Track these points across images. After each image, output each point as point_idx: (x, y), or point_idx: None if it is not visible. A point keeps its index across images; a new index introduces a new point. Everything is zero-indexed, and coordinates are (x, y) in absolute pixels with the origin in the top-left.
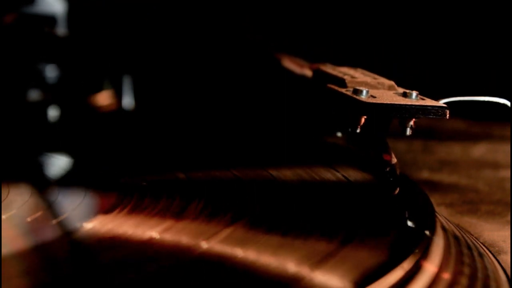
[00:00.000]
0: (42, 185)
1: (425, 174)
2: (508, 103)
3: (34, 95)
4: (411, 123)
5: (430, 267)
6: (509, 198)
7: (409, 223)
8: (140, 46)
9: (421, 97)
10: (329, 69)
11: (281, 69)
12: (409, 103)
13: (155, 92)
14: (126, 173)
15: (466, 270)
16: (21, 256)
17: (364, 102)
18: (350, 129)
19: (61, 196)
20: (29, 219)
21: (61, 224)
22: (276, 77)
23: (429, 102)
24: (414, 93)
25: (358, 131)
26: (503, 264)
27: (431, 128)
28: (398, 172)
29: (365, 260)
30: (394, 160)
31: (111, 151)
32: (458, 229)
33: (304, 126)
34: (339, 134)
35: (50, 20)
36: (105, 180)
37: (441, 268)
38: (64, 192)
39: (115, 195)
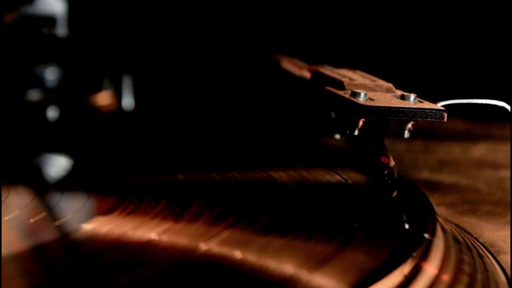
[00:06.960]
0: (42, 186)
1: (425, 174)
2: (507, 106)
3: (33, 95)
4: (409, 125)
5: (430, 269)
6: (509, 198)
7: (409, 225)
8: (141, 46)
9: (419, 99)
10: (328, 71)
11: (280, 71)
12: (407, 106)
13: (155, 92)
14: (126, 174)
15: (466, 271)
16: (20, 257)
17: (361, 105)
18: (348, 131)
19: (60, 197)
20: (28, 220)
21: (60, 225)
22: (275, 79)
23: (427, 105)
24: (412, 96)
25: (356, 133)
26: (502, 264)
27: (431, 128)
28: (396, 174)
29: (364, 262)
30: (392, 162)
31: (111, 152)
32: (458, 229)
33: (303, 128)
34: (337, 136)
35: (50, 20)
36: (105, 181)
37: (441, 270)
38: (63, 193)
39: (114, 196)
